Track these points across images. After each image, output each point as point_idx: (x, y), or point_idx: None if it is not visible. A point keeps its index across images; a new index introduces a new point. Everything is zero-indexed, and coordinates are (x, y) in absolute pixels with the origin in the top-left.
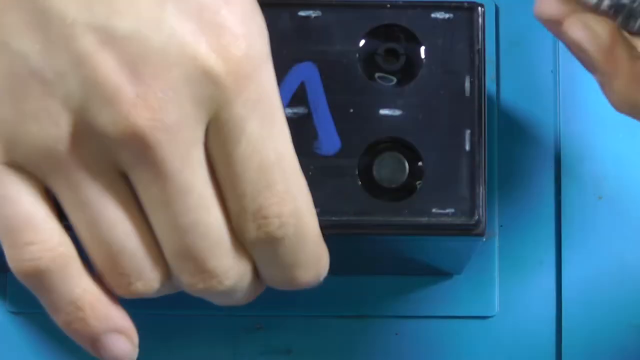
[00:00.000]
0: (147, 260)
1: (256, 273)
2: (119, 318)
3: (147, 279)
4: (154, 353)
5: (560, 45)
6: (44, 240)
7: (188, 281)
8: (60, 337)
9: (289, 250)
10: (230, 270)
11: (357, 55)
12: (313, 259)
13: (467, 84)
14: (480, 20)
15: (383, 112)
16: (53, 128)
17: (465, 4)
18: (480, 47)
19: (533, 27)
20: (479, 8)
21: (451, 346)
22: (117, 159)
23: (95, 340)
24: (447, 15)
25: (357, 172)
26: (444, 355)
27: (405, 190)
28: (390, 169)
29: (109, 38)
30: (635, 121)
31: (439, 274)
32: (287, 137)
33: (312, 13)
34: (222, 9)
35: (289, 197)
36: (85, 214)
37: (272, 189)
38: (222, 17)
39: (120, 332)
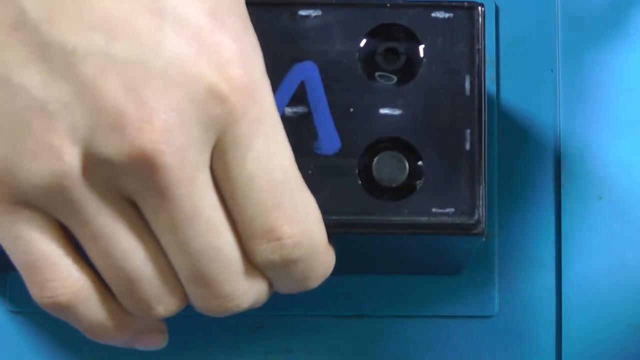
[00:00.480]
0: (166, 285)
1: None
2: (147, 320)
3: (168, 302)
4: (154, 353)
5: (560, 45)
6: (62, 277)
7: (205, 306)
8: (60, 337)
9: (302, 268)
10: (246, 293)
11: (357, 55)
12: (324, 269)
13: (467, 84)
14: (480, 20)
15: (383, 111)
16: (58, 164)
17: (465, 4)
18: (480, 47)
19: (533, 27)
20: (479, 8)
21: (451, 346)
22: (125, 186)
23: (126, 344)
24: (447, 15)
25: (357, 172)
26: (444, 355)
27: (405, 190)
28: (390, 168)
29: (110, 64)
30: (635, 121)
31: (439, 274)
32: (290, 153)
33: (312, 13)
34: (218, 29)
35: (299, 216)
36: (98, 246)
37: (281, 208)
38: (219, 37)
39: (149, 330)
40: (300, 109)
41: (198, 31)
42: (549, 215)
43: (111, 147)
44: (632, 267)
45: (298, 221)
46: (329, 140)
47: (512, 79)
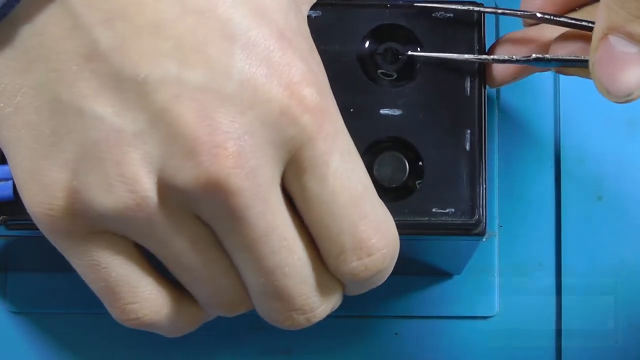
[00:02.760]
0: (244, 292)
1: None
2: None
3: (248, 304)
4: (155, 353)
5: None
6: (142, 299)
7: (277, 319)
8: (60, 337)
9: (384, 274)
10: (320, 306)
11: (357, 55)
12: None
13: (467, 84)
14: (480, 20)
15: (383, 111)
16: (132, 196)
17: (465, 4)
18: (480, 47)
19: None
20: (479, 8)
21: (451, 346)
22: (198, 209)
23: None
24: (447, 15)
25: None
26: (444, 355)
27: (405, 190)
28: (391, 168)
29: (182, 91)
30: (635, 121)
31: (439, 274)
32: (363, 165)
33: (312, 13)
34: (287, 50)
35: (383, 226)
36: (178, 264)
37: (367, 220)
38: (289, 57)
39: None
40: None
41: (268, 53)
42: (549, 215)
43: (186, 174)
44: (632, 267)
45: (383, 231)
46: None
47: None
